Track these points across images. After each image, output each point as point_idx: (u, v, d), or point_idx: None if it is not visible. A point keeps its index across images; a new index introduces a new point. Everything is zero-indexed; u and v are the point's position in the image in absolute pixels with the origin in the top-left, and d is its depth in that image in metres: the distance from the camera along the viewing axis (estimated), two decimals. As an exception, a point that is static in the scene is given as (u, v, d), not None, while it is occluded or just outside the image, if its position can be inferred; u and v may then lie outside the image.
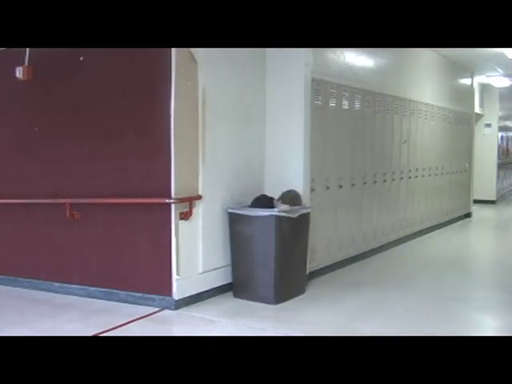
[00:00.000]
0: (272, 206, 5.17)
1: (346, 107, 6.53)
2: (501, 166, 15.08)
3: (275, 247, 5.05)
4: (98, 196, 5.23)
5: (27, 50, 5.39)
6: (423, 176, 8.89)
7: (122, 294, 5.18)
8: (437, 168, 9.47)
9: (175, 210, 4.88)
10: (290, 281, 5.29)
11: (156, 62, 4.93)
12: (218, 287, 5.33)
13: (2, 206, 5.90)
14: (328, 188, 6.22)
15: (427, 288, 5.88)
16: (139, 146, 5.10)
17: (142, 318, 4.75)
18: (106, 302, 5.19)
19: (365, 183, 6.99)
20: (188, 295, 5.04)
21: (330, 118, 6.24)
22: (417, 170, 8.60)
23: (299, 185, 5.67)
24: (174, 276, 4.92)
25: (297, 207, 5.30)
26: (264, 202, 5.25)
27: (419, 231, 8.83)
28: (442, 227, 9.80)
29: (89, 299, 5.31)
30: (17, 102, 5.86)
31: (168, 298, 4.96)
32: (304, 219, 5.38)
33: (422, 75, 8.85)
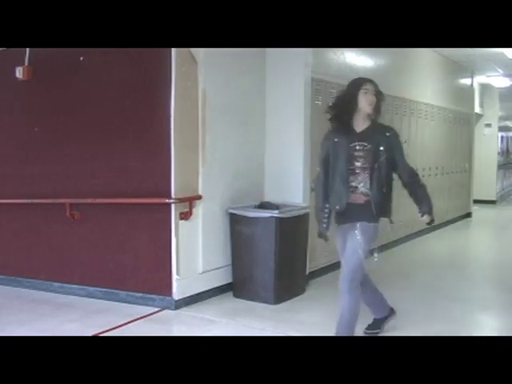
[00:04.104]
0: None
1: (346, 107, 6.52)
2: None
3: (275, 247, 5.05)
4: (97, 196, 5.24)
5: (27, 50, 5.39)
6: (423, 176, 8.84)
7: (122, 294, 5.18)
8: (437, 168, 9.46)
9: (175, 210, 4.88)
10: (289, 281, 5.29)
11: (156, 61, 4.93)
12: (217, 287, 5.33)
13: (2, 205, 5.90)
14: (328, 188, 6.21)
15: (427, 288, 5.88)
16: (139, 145, 5.10)
17: (141, 318, 4.75)
18: (106, 302, 5.19)
19: (365, 183, 6.98)
20: (188, 295, 5.04)
21: (330, 118, 6.23)
22: (417, 169, 8.58)
23: (299, 185, 5.67)
24: (174, 276, 4.92)
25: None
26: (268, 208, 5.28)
27: (419, 231, 8.82)
28: (442, 227, 9.80)
29: (89, 299, 5.31)
30: (17, 102, 5.86)
31: (168, 297, 4.96)
32: (304, 219, 5.38)
33: (422, 75, 8.85)
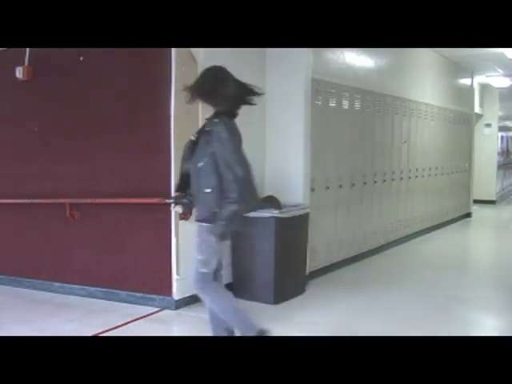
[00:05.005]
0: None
1: (346, 107, 6.53)
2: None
3: (275, 247, 5.05)
4: (98, 196, 5.24)
5: (27, 50, 5.39)
6: (423, 176, 8.89)
7: (122, 294, 5.18)
8: (437, 168, 9.47)
9: (175, 209, 4.88)
10: (289, 281, 5.29)
11: (156, 62, 4.93)
12: (217, 287, 5.33)
13: (2, 205, 5.90)
14: (328, 188, 6.22)
15: (427, 288, 5.88)
16: (139, 145, 5.10)
17: (141, 318, 4.75)
18: (106, 301, 5.19)
19: (365, 183, 7.00)
20: (188, 295, 5.03)
21: (330, 118, 6.24)
22: (417, 170, 8.60)
23: (299, 185, 5.68)
24: (174, 276, 4.92)
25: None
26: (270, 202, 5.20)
27: (419, 231, 8.83)
28: (441, 227, 9.80)
29: (89, 299, 5.31)
30: (17, 102, 5.86)
31: (168, 298, 4.96)
32: (303, 219, 5.38)
33: (422, 75, 8.85)
